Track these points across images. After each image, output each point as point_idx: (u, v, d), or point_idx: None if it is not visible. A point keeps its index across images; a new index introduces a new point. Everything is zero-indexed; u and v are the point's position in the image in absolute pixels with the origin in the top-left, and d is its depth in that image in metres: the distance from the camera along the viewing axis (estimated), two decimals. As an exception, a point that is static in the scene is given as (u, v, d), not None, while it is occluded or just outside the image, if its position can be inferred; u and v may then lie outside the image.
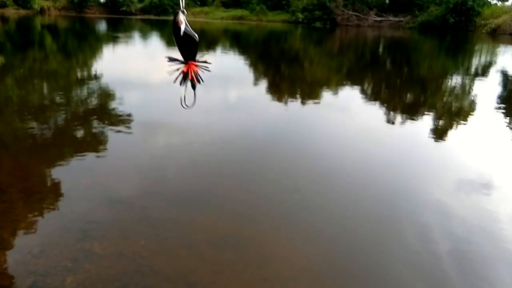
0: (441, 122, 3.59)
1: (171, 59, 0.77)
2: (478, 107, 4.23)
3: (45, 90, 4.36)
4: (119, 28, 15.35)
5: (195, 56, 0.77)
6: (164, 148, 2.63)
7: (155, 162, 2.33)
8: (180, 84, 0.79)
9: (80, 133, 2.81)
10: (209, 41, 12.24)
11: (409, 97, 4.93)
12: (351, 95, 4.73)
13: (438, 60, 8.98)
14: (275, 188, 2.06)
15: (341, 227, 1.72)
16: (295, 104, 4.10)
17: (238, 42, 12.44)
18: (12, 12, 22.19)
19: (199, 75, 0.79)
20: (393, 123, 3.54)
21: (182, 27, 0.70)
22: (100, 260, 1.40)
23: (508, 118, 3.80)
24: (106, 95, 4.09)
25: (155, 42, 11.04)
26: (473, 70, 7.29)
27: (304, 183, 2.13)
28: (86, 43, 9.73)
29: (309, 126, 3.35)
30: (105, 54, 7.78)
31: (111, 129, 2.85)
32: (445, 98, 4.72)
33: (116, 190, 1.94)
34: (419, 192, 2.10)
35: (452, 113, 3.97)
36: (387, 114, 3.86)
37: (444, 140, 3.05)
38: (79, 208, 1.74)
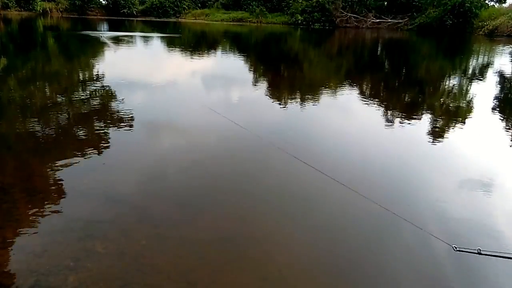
0: (438, 123, 3.61)
1: None
2: (475, 108, 4.26)
3: (47, 91, 4.38)
4: (121, 29, 15.42)
5: None
6: (166, 149, 2.65)
7: (157, 163, 2.34)
8: None
9: (82, 134, 2.83)
10: (210, 43, 12.30)
11: (407, 98, 4.96)
12: (350, 96, 4.76)
13: (436, 62, 9.03)
14: (275, 188, 2.07)
15: (340, 228, 1.73)
16: (295, 105, 4.12)
17: (238, 43, 12.50)
18: (14, 13, 22.30)
19: None
20: (391, 123, 3.56)
21: None
22: (101, 259, 1.42)
23: (505, 119, 3.82)
24: (108, 95, 4.11)
25: (156, 43, 11.10)
26: (470, 71, 7.33)
27: (304, 183, 2.15)
28: (88, 44, 9.77)
29: (309, 127, 3.37)
30: (107, 55, 7.81)
31: (112, 130, 2.87)
32: (442, 99, 4.75)
33: (118, 190, 1.95)
34: (418, 192, 2.12)
35: (450, 114, 3.99)
36: (386, 115, 3.88)
37: (442, 140, 3.07)
38: (81, 208, 1.76)
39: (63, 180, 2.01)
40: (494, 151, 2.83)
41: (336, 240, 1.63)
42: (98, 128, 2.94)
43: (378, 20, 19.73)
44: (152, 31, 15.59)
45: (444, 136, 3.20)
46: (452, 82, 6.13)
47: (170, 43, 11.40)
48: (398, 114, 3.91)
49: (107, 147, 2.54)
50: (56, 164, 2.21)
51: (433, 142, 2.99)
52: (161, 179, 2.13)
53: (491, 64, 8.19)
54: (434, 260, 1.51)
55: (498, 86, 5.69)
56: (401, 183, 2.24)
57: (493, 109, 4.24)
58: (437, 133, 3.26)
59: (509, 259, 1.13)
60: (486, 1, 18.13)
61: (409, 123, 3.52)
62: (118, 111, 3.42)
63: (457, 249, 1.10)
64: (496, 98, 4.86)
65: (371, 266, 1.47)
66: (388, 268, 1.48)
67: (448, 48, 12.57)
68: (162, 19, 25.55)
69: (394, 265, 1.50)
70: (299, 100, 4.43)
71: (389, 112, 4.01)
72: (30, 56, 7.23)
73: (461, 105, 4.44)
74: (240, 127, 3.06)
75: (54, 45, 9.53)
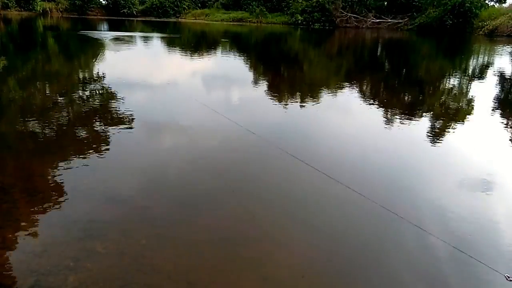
0: (439, 123, 3.61)
1: None
2: (475, 108, 4.26)
3: (47, 91, 4.38)
4: (121, 29, 15.44)
5: None
6: (166, 149, 2.65)
7: (157, 163, 2.34)
8: None
9: (82, 133, 2.83)
10: (210, 43, 12.31)
11: (407, 98, 4.96)
12: (350, 96, 4.76)
13: (435, 62, 9.03)
14: (275, 188, 2.07)
15: (340, 228, 1.73)
16: (295, 105, 4.13)
17: (238, 43, 12.50)
18: (14, 13, 22.33)
19: None
20: (392, 124, 3.56)
21: None
22: (101, 259, 1.42)
23: (505, 119, 3.83)
24: (108, 95, 4.11)
25: (157, 43, 11.10)
26: (470, 71, 7.33)
27: (304, 184, 2.15)
28: (89, 44, 9.77)
29: (309, 127, 3.37)
30: (107, 55, 7.81)
31: (112, 130, 2.87)
32: (442, 99, 4.76)
33: (118, 190, 1.96)
34: (418, 192, 2.12)
35: (450, 114, 3.99)
36: (386, 115, 3.88)
37: (442, 141, 3.07)
38: (81, 207, 1.76)
39: (63, 180, 2.01)
40: (498, 151, 2.83)
41: (337, 240, 1.63)
42: (98, 128, 2.94)
43: (378, 20, 19.74)
44: (152, 31, 15.61)
45: (445, 136, 3.20)
46: (452, 82, 6.13)
47: (171, 43, 11.41)
48: (399, 114, 3.91)
49: (107, 147, 2.54)
50: (56, 164, 2.22)
51: (433, 142, 2.99)
52: (161, 179, 2.13)
53: (491, 64, 8.19)
54: (434, 260, 1.51)
55: (498, 86, 5.69)
56: (401, 183, 2.24)
57: (493, 109, 4.24)
58: (437, 133, 3.26)
59: None
60: (486, 1, 18.14)
61: (410, 123, 3.52)
62: (118, 111, 3.42)
63: (510, 278, 0.99)
64: (496, 98, 4.87)
65: (371, 266, 1.47)
66: (388, 268, 1.48)
67: (448, 48, 12.57)
68: (162, 19, 25.56)
69: (394, 266, 1.50)
70: (299, 100, 4.43)
71: (390, 112, 4.01)
72: (30, 56, 7.23)
73: (461, 105, 4.44)
74: (240, 127, 3.06)
75: (54, 45, 9.53)
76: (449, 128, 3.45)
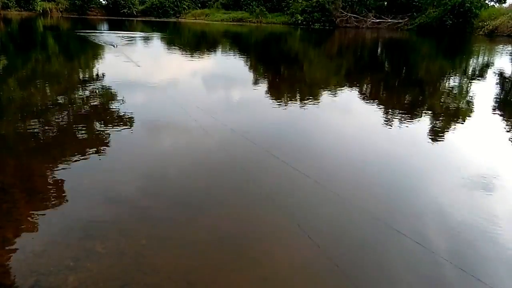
0: (439, 123, 3.61)
1: None
2: (475, 108, 4.26)
3: (47, 91, 4.38)
4: (123, 29, 15.45)
5: None
6: (166, 149, 2.65)
7: (157, 163, 2.35)
8: None
9: (82, 134, 2.83)
10: (210, 42, 12.32)
11: (407, 98, 4.96)
12: (349, 96, 4.76)
13: (435, 62, 9.04)
14: (275, 188, 2.07)
15: (339, 228, 1.73)
16: (295, 105, 4.13)
17: (239, 43, 12.51)
18: (14, 13, 22.37)
19: None
20: (391, 124, 3.56)
21: None
22: (101, 259, 1.42)
23: (505, 119, 3.83)
24: (108, 95, 4.11)
25: (157, 43, 11.10)
26: (470, 71, 7.34)
27: (304, 183, 2.15)
28: (87, 44, 9.76)
29: (309, 127, 3.37)
30: (106, 55, 7.81)
31: (112, 130, 2.87)
32: (443, 100, 4.76)
33: (118, 190, 1.96)
34: (417, 192, 2.12)
35: (450, 114, 3.99)
36: (385, 115, 3.88)
37: (442, 141, 3.07)
38: (81, 207, 1.76)
39: (63, 180, 2.01)
40: (495, 151, 2.82)
41: (336, 241, 1.63)
42: (98, 128, 2.94)
43: (378, 20, 19.75)
44: (153, 31, 15.64)
45: (445, 137, 3.20)
46: (452, 82, 6.13)
47: (173, 43, 11.42)
48: (399, 115, 3.90)
49: (107, 147, 2.54)
50: (56, 164, 2.22)
51: (433, 142, 2.99)
52: (161, 179, 2.13)
53: (491, 64, 8.19)
54: (433, 260, 1.51)
55: (498, 86, 5.69)
56: (401, 183, 2.24)
57: (494, 109, 4.24)
58: (437, 133, 3.26)
59: None
60: (486, 1, 18.15)
61: (409, 123, 3.52)
62: (118, 111, 3.42)
63: None
64: (496, 98, 4.87)
65: (371, 266, 1.47)
66: (388, 268, 1.48)
67: (448, 48, 12.57)
68: (162, 19, 25.58)
69: (394, 266, 1.50)
70: (299, 101, 4.43)
71: (390, 114, 4.01)
72: (30, 56, 7.23)
73: (461, 105, 4.44)
74: (241, 127, 3.06)
75: (54, 45, 9.52)
76: (450, 129, 3.44)
